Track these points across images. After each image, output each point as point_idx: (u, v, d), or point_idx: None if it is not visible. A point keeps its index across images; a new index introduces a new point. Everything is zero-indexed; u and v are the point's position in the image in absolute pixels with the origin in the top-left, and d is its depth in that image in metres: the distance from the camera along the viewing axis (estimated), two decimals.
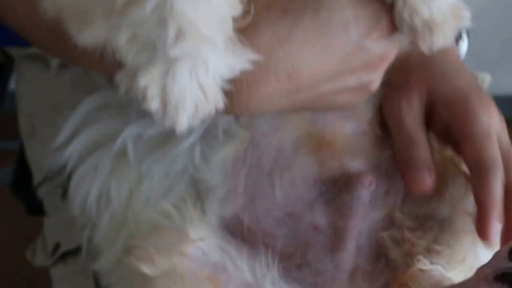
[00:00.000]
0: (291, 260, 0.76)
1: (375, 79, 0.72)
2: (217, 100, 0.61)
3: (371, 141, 0.77)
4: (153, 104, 0.59)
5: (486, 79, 1.06)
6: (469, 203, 0.77)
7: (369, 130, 0.78)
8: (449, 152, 0.80)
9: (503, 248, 0.66)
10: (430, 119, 0.78)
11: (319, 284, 0.76)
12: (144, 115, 0.75)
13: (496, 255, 0.67)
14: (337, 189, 0.75)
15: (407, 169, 0.75)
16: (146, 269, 0.70)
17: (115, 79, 0.59)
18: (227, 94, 0.62)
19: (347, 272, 0.77)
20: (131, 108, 0.77)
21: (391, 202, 0.78)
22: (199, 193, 0.76)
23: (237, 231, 0.75)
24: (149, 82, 0.58)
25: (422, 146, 0.76)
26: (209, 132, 0.75)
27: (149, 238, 0.73)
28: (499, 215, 0.72)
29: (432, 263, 0.74)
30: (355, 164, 0.76)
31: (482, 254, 0.75)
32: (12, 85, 1.12)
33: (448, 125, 0.77)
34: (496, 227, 0.72)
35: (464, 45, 0.89)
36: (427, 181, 0.75)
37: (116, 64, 0.59)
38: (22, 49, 1.04)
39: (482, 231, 0.72)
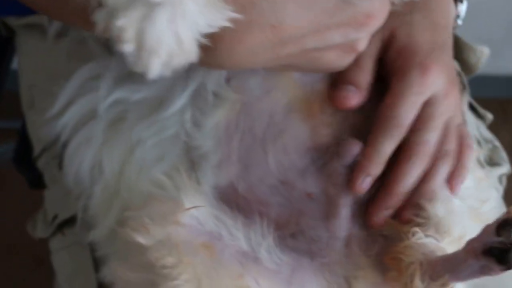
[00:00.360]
0: (286, 228, 0.76)
1: (362, 38, 0.72)
2: (191, 52, 0.61)
3: (361, 107, 0.77)
4: (128, 47, 0.59)
5: (484, 52, 1.05)
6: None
7: None
8: None
9: (492, 222, 0.66)
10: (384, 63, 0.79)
11: (314, 251, 0.77)
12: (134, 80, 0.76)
13: (484, 229, 0.67)
14: (328, 156, 0.76)
15: (339, 83, 0.76)
16: (141, 239, 0.71)
17: (93, 17, 0.59)
18: (209, 45, 0.63)
19: (341, 240, 0.77)
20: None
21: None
22: (192, 161, 0.77)
23: (232, 200, 0.76)
24: (126, 24, 0.58)
25: (364, 70, 0.76)
26: (198, 96, 0.76)
27: (143, 209, 0.74)
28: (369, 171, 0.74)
29: (426, 235, 0.75)
30: (345, 130, 0.76)
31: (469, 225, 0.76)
32: (15, 64, 1.12)
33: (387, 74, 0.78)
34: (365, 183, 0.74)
35: (463, 7, 0.88)
36: (353, 98, 0.75)
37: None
38: (21, 18, 1.05)
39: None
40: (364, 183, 0.74)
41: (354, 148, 0.75)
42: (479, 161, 0.99)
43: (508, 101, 2.60)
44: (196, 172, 0.76)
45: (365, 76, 0.76)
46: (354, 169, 0.75)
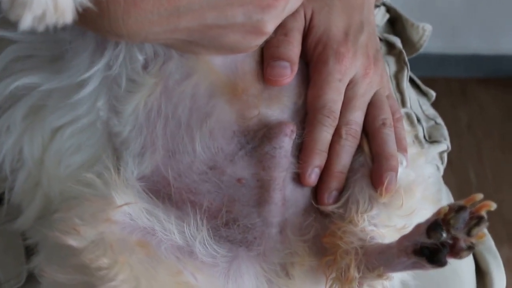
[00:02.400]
0: (219, 217, 0.78)
1: (268, 21, 0.74)
2: (66, 14, 0.62)
3: (287, 88, 0.79)
4: None
5: (426, 29, 1.07)
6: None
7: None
8: None
9: (423, 222, 0.68)
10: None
11: (249, 240, 0.79)
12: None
13: (415, 229, 0.71)
14: (257, 139, 0.77)
15: (270, 60, 0.78)
16: (72, 241, 0.72)
17: None
18: (94, 8, 0.64)
19: (276, 226, 0.80)
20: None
21: None
22: (116, 149, 0.78)
23: (162, 191, 0.78)
24: None
25: (294, 43, 0.79)
26: (111, 81, 0.77)
27: (73, 209, 0.75)
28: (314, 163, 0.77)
29: (370, 221, 0.78)
30: (274, 112, 0.78)
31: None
32: None
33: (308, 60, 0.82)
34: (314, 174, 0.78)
35: None
36: (288, 74, 0.78)
37: None
38: None
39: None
40: (313, 175, 0.78)
41: (285, 129, 0.77)
42: (417, 138, 1.02)
43: (467, 81, 2.64)
44: (119, 161, 0.77)
45: (295, 50, 0.79)
46: (300, 165, 0.78)
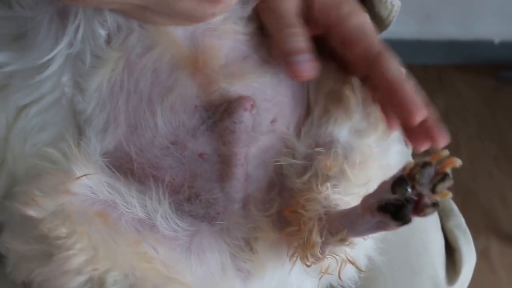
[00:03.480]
0: (181, 192, 0.79)
1: None
2: None
3: (251, 64, 0.80)
4: None
5: (395, 5, 1.08)
6: (363, 121, 0.82)
7: (247, 52, 0.80)
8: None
9: (388, 179, 0.69)
10: (307, 23, 0.83)
11: (212, 215, 0.81)
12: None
13: (380, 186, 0.72)
14: (218, 114, 0.78)
15: (289, 58, 0.79)
16: (32, 212, 0.73)
17: None
18: None
19: (238, 202, 0.81)
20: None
21: (281, 131, 0.82)
22: (79, 126, 0.79)
23: (125, 166, 0.79)
24: None
25: (301, 35, 0.80)
26: (78, 58, 0.77)
27: (34, 182, 0.76)
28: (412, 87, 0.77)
29: (333, 189, 0.79)
30: (235, 88, 0.79)
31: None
32: None
33: (324, 30, 0.83)
34: (415, 99, 0.76)
35: None
36: (310, 67, 0.79)
37: None
38: None
39: (407, 114, 0.76)
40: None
41: (244, 103, 0.78)
42: None
43: (444, 67, 2.65)
44: (84, 136, 0.78)
45: (303, 38, 0.79)
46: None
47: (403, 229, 0.87)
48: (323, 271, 0.80)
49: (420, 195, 0.67)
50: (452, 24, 2.56)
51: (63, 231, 0.71)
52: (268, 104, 0.81)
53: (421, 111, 0.75)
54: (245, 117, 0.78)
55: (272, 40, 0.80)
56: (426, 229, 1.05)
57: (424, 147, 0.78)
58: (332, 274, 0.81)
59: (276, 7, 0.81)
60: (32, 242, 0.73)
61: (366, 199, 0.72)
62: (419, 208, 0.67)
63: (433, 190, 0.66)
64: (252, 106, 0.78)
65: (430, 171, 0.66)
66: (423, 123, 0.77)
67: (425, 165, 0.66)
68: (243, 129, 0.78)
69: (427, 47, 2.61)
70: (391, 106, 0.79)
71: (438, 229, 1.08)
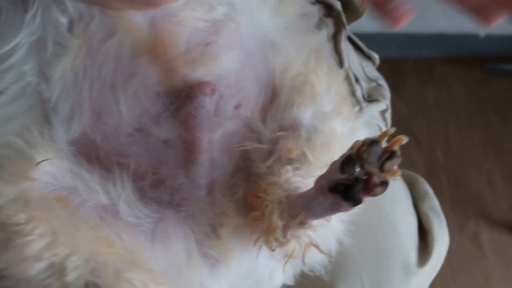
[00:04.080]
0: (146, 179, 0.77)
1: None
2: None
3: (213, 51, 0.77)
4: None
5: None
6: (327, 105, 0.79)
7: (209, 39, 0.77)
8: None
9: (337, 159, 0.66)
10: None
11: (177, 202, 0.78)
12: None
13: (330, 167, 0.69)
14: (180, 100, 0.75)
15: (385, 7, 0.71)
16: None
17: None
18: None
19: (203, 188, 0.78)
20: None
21: (246, 116, 0.79)
22: (46, 115, 0.76)
23: (91, 153, 0.76)
24: None
25: None
26: (41, 47, 0.74)
27: None
28: None
29: (294, 172, 0.76)
30: (197, 74, 0.76)
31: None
32: None
33: None
34: None
35: None
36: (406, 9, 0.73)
37: None
38: None
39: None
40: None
41: (205, 89, 0.75)
42: (355, 96, 1.02)
43: (434, 60, 2.65)
44: (51, 124, 0.75)
45: None
46: None
47: (373, 212, 0.86)
48: (288, 255, 0.77)
49: (369, 174, 0.64)
50: (439, 18, 2.54)
51: (21, 217, 0.69)
52: (231, 89, 0.77)
53: None
54: (206, 102, 0.75)
55: None
56: (395, 211, 1.02)
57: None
58: (297, 258, 0.78)
59: None
60: None
61: (318, 180, 0.69)
62: (369, 187, 0.64)
63: (381, 169, 0.63)
64: (213, 91, 0.75)
65: (377, 150, 0.63)
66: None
67: (372, 143, 0.63)
68: (205, 115, 0.75)
69: (416, 41, 2.59)
70: None
71: (410, 211, 1.05)
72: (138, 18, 0.75)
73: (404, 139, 0.63)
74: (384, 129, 1.09)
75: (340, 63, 1.02)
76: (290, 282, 0.85)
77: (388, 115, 1.09)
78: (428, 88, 2.56)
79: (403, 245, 1.01)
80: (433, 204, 1.07)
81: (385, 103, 1.06)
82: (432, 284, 1.93)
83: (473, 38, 2.61)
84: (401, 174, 1.06)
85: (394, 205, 1.02)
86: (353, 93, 1.01)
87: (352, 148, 0.65)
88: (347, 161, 0.64)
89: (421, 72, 2.61)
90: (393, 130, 0.64)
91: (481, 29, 2.59)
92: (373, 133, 0.95)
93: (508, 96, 2.53)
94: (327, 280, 0.95)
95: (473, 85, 2.58)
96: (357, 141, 0.64)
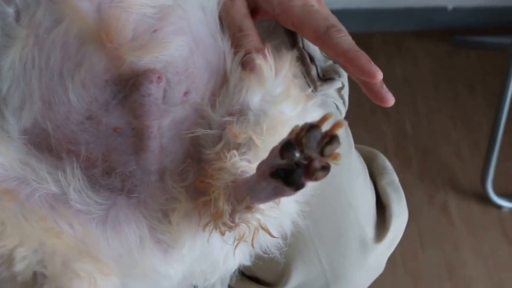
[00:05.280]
0: (97, 166, 0.76)
1: None
2: None
3: (160, 37, 0.76)
4: None
5: None
6: (276, 88, 0.79)
7: (157, 26, 0.75)
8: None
9: (277, 145, 0.65)
10: (256, 14, 0.84)
11: (129, 188, 0.77)
12: None
13: (271, 152, 0.68)
14: (128, 88, 0.74)
15: (243, 58, 0.80)
16: None
17: None
18: None
19: (154, 174, 0.78)
20: None
21: (195, 102, 0.78)
22: None
23: (44, 142, 0.75)
24: None
25: (251, 34, 0.81)
26: None
27: None
28: (368, 59, 0.77)
29: (241, 156, 0.75)
30: (144, 62, 0.74)
31: None
32: None
33: (274, 17, 0.83)
34: (370, 63, 0.77)
35: None
36: (256, 62, 0.78)
37: None
38: None
39: (367, 78, 0.77)
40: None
41: (150, 76, 0.73)
42: (310, 76, 1.01)
43: (401, 34, 2.65)
44: (1, 117, 0.74)
45: (254, 38, 0.82)
46: (359, 71, 0.77)
47: (328, 189, 0.86)
48: (237, 239, 0.76)
49: (309, 159, 0.62)
50: None
51: None
52: (179, 76, 0.76)
53: (378, 73, 0.76)
54: (153, 90, 0.73)
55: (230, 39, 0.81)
56: (351, 188, 1.01)
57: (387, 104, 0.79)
58: (249, 240, 0.77)
59: (227, 11, 0.82)
60: None
61: (260, 166, 0.68)
62: (310, 172, 0.63)
63: (321, 153, 0.61)
64: (159, 78, 0.73)
65: (316, 134, 0.61)
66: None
67: (311, 128, 0.61)
68: (153, 102, 0.74)
69: (384, 15, 2.58)
70: (352, 74, 0.80)
71: (367, 186, 1.05)
72: (84, 5, 0.73)
73: (344, 123, 0.62)
74: (341, 107, 1.08)
75: (294, 43, 1.00)
76: (246, 263, 0.85)
77: (345, 92, 1.08)
78: (396, 62, 2.56)
79: (359, 221, 1.00)
80: (391, 179, 1.06)
81: (340, 81, 1.05)
82: (402, 255, 1.96)
83: (441, 11, 2.61)
84: (360, 150, 1.07)
85: (351, 181, 1.01)
86: (307, 73, 1.00)
87: (291, 133, 0.63)
88: (286, 147, 0.63)
89: (389, 46, 2.61)
90: (331, 114, 0.62)
91: (449, 2, 2.59)
92: (334, 113, 0.94)
93: (475, 68, 2.54)
94: (283, 261, 0.94)
95: (441, 57, 2.59)
96: (296, 126, 0.63)
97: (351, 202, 0.99)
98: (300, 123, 0.69)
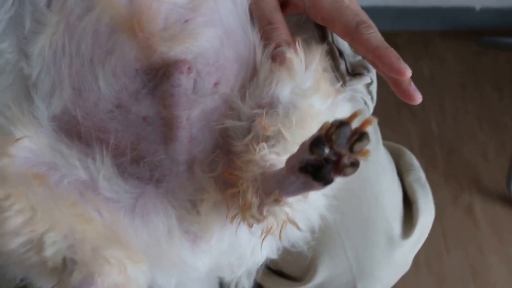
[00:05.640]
0: (126, 155, 0.76)
1: None
2: None
3: (192, 28, 0.76)
4: None
5: None
6: (306, 82, 0.78)
7: (188, 16, 0.75)
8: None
9: (307, 140, 0.64)
10: (286, 8, 0.84)
11: (157, 178, 0.77)
12: None
13: (300, 147, 0.67)
14: (158, 78, 0.74)
15: (273, 51, 0.80)
16: None
17: None
18: None
19: (183, 164, 0.78)
20: None
21: (224, 93, 0.78)
22: (27, 92, 0.75)
23: (72, 129, 0.75)
24: None
25: (280, 27, 0.80)
26: (19, 24, 0.74)
27: None
28: (397, 56, 0.77)
29: (270, 149, 0.75)
30: (175, 52, 0.74)
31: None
32: None
33: (304, 11, 0.83)
34: (399, 61, 0.76)
35: None
36: (287, 55, 0.78)
37: None
38: None
39: (396, 75, 0.76)
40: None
41: (181, 67, 0.73)
42: (339, 70, 1.01)
43: (429, 33, 2.63)
44: (32, 101, 0.75)
45: (284, 31, 0.82)
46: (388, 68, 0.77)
47: (355, 184, 0.86)
48: (265, 232, 0.76)
49: (339, 155, 0.62)
50: None
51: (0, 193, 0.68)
52: (210, 67, 0.76)
53: (407, 70, 0.76)
54: (183, 80, 0.74)
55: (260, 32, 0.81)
56: (378, 183, 1.01)
57: (414, 101, 0.79)
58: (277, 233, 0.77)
59: (257, 3, 0.81)
60: None
61: (289, 160, 0.68)
62: (339, 168, 0.63)
63: (351, 150, 0.61)
64: (190, 69, 0.73)
65: (346, 131, 0.61)
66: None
67: (341, 125, 0.61)
68: (182, 92, 0.74)
69: (411, 14, 2.56)
70: (381, 70, 0.79)
71: (394, 183, 1.05)
72: None
73: (374, 121, 0.62)
74: (369, 103, 1.07)
75: (323, 37, 1.00)
76: (273, 257, 0.85)
77: (374, 88, 1.07)
78: (423, 62, 2.54)
79: (386, 217, 1.00)
80: (419, 176, 1.06)
81: (369, 77, 1.04)
82: (426, 256, 1.94)
83: (469, 11, 2.59)
84: (387, 146, 1.06)
85: (378, 177, 1.01)
86: (336, 67, 1.00)
87: (321, 129, 0.63)
88: (316, 143, 0.63)
89: (416, 45, 2.59)
90: (361, 111, 0.62)
91: (476, 2, 2.57)
92: (358, 108, 0.94)
93: (503, 70, 2.51)
94: (310, 255, 0.95)
95: (468, 58, 2.56)
96: (326, 122, 0.63)
97: (378, 197, 0.99)
98: (330, 117, 0.70)
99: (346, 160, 0.62)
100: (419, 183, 1.05)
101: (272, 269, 1.05)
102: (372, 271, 1.00)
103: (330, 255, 0.98)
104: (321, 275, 1.00)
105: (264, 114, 0.76)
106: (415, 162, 1.09)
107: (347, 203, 0.85)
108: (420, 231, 1.03)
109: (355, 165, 0.62)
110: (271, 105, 0.77)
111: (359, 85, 1.04)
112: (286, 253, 0.85)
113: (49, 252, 0.69)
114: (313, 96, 0.78)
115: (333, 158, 0.62)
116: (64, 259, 0.69)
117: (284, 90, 0.78)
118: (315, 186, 0.65)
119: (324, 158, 0.63)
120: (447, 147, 2.27)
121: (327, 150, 0.62)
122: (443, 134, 2.31)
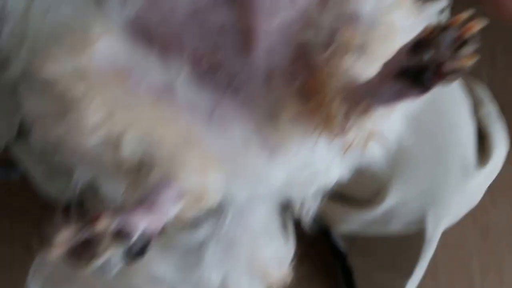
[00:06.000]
0: (203, 62, 0.74)
1: None
2: None
3: None
4: None
5: None
6: None
7: None
8: None
9: (408, 42, 0.63)
10: None
11: (234, 87, 0.75)
12: None
13: (399, 51, 0.65)
14: None
15: None
16: (50, 71, 0.68)
17: None
18: None
19: (262, 74, 0.75)
20: None
21: (305, 4, 0.75)
22: None
23: (147, 33, 0.73)
24: None
25: None
26: None
27: (53, 45, 0.70)
28: None
29: (354, 62, 0.72)
30: None
31: None
32: None
33: None
34: None
35: None
36: None
37: None
38: None
39: None
40: None
41: None
42: None
43: None
44: (105, 7, 0.72)
45: None
46: None
47: (431, 111, 0.84)
48: (347, 146, 0.74)
49: (441, 60, 0.59)
50: None
51: (79, 89, 0.67)
52: None
53: None
54: None
55: None
56: (454, 111, 0.99)
57: None
58: (355, 150, 0.75)
59: None
60: (51, 102, 0.69)
61: (386, 65, 0.65)
62: (441, 73, 0.60)
63: (455, 54, 0.58)
64: None
65: (451, 34, 0.58)
66: None
67: (447, 27, 0.58)
68: (261, 2, 0.72)
69: None
70: None
71: (468, 112, 1.02)
72: None
73: (480, 23, 0.58)
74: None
75: None
76: (346, 176, 0.82)
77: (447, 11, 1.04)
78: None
79: (462, 143, 0.98)
80: (490, 110, 1.06)
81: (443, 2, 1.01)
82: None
83: None
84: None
85: (453, 105, 0.99)
86: None
87: (424, 31, 0.60)
88: (418, 46, 0.60)
89: None
90: (467, 14, 0.59)
91: None
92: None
93: None
94: (383, 177, 0.92)
95: None
96: (428, 25, 0.60)
97: (453, 126, 0.97)
98: (411, 35, 0.67)
99: (449, 65, 0.59)
100: (492, 117, 1.04)
101: (336, 196, 1.03)
102: (445, 198, 0.98)
103: (404, 178, 0.96)
104: (391, 199, 0.98)
105: (346, 28, 0.73)
106: (486, 97, 1.06)
107: (423, 130, 0.84)
108: (495, 163, 1.02)
109: (457, 71, 0.59)
110: (352, 19, 0.75)
111: (435, 7, 1.01)
112: (357, 174, 0.83)
113: (125, 152, 0.67)
114: (396, 12, 0.75)
115: (435, 63, 0.59)
116: (140, 160, 0.68)
117: (366, 4, 0.75)
118: (411, 93, 0.63)
119: (425, 63, 0.59)
120: (498, 100, 2.22)
121: (428, 53, 0.59)
122: (494, 87, 2.26)
